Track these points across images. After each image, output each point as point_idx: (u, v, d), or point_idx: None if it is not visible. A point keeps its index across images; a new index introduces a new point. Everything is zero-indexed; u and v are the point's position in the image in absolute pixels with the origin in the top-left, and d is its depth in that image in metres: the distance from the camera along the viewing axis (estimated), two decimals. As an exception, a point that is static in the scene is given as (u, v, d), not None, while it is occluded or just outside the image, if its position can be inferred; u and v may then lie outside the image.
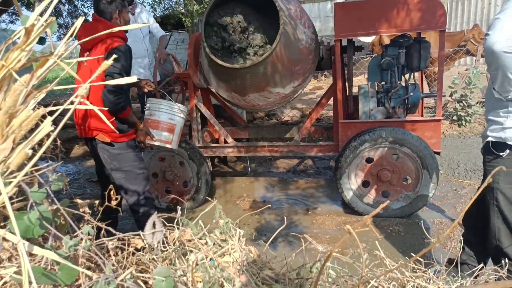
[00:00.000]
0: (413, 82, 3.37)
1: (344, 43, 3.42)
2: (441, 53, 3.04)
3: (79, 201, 1.09)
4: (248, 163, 4.62)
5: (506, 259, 1.67)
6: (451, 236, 2.88)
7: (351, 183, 3.25)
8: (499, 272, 1.12)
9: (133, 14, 4.30)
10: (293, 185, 4.14)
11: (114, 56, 1.05)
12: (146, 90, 3.06)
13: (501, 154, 1.74)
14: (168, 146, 3.03)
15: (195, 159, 3.50)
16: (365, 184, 3.26)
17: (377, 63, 3.29)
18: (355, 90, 3.81)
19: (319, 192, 3.90)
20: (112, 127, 1.02)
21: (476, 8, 10.39)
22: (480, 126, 5.16)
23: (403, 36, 3.19)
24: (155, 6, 8.19)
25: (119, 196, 1.14)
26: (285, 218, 1.54)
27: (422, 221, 3.15)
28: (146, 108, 3.04)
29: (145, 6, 4.44)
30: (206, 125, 4.10)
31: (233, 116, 4.36)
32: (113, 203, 1.09)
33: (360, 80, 8.55)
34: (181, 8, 8.39)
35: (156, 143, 2.95)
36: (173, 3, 8.89)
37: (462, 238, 1.93)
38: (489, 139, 1.78)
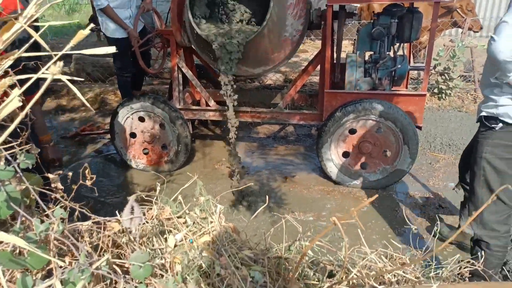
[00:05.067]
0: (402, 53, 3.32)
1: (336, 8, 3.28)
2: (434, 25, 2.97)
3: (50, 176, 1.01)
4: (229, 126, 4.55)
5: (482, 252, 1.77)
6: (422, 210, 2.98)
7: (332, 153, 3.26)
8: (474, 265, 1.15)
9: None
10: (273, 151, 4.13)
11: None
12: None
13: (493, 126, 1.84)
14: None
15: (176, 123, 3.39)
16: (345, 154, 3.28)
17: (368, 32, 3.20)
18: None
19: (298, 159, 3.92)
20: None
21: (468, -24, 10.16)
22: (459, 101, 5.24)
23: (396, 5, 3.08)
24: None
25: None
26: (267, 197, 1.51)
27: (396, 194, 3.24)
28: None
29: None
30: (188, 85, 3.96)
31: (216, 78, 4.21)
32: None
33: (345, 45, 8.39)
34: (163, -46, 7.82)
35: None
36: None
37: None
38: (483, 113, 1.88)
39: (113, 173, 3.70)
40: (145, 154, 3.63)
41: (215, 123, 4.70)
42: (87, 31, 0.78)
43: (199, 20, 3.14)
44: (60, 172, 1.16)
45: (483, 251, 1.85)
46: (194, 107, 3.68)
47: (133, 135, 3.57)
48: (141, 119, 3.49)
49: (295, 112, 3.50)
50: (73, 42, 0.81)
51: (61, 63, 0.69)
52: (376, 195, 0.96)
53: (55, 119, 5.16)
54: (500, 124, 1.81)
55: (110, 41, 4.01)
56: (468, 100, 5.17)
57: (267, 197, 1.50)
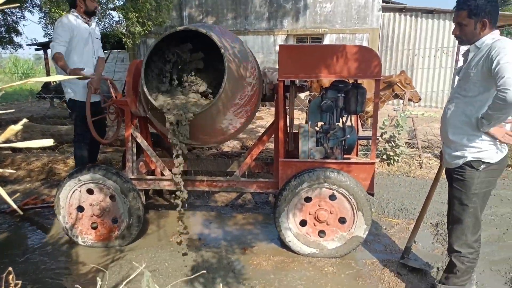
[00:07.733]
0: (350, 124, 3.53)
1: (287, 82, 3.50)
2: (376, 100, 3.22)
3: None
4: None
5: (462, 265, 2.44)
6: (381, 278, 2.97)
7: (289, 222, 3.23)
8: None
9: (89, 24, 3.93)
10: (231, 220, 4.03)
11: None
12: None
13: (478, 168, 2.29)
14: None
15: (129, 195, 3.25)
16: (302, 223, 3.27)
17: (317, 105, 3.41)
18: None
19: (257, 229, 3.84)
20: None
21: (403, 55, 11.47)
22: (407, 166, 5.55)
23: (342, 81, 3.35)
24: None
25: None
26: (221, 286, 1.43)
27: (355, 262, 3.22)
28: None
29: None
30: (142, 155, 3.88)
31: (171, 147, 4.18)
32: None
33: (298, 114, 8.84)
34: (122, 28, 8.11)
35: None
36: (114, 22, 8.56)
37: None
38: (469, 159, 2.31)
39: (57, 252, 3.38)
40: (94, 229, 3.38)
41: (171, 193, 4.57)
42: (18, 127, 0.75)
43: (156, 91, 3.18)
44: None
45: (463, 265, 2.43)
46: (148, 177, 3.58)
47: (80, 208, 3.35)
48: (90, 192, 3.31)
49: (251, 181, 3.51)
50: (1, 139, 0.78)
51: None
52: None
53: (-6, 191, 4.76)
54: (483, 165, 2.28)
55: (72, 106, 3.92)
56: (414, 165, 5.50)
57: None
